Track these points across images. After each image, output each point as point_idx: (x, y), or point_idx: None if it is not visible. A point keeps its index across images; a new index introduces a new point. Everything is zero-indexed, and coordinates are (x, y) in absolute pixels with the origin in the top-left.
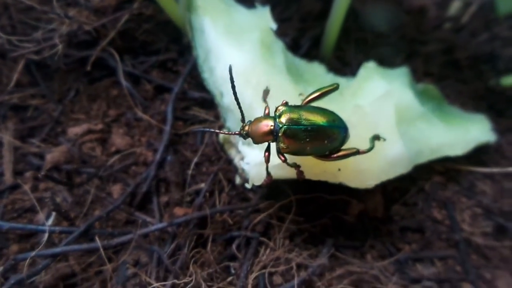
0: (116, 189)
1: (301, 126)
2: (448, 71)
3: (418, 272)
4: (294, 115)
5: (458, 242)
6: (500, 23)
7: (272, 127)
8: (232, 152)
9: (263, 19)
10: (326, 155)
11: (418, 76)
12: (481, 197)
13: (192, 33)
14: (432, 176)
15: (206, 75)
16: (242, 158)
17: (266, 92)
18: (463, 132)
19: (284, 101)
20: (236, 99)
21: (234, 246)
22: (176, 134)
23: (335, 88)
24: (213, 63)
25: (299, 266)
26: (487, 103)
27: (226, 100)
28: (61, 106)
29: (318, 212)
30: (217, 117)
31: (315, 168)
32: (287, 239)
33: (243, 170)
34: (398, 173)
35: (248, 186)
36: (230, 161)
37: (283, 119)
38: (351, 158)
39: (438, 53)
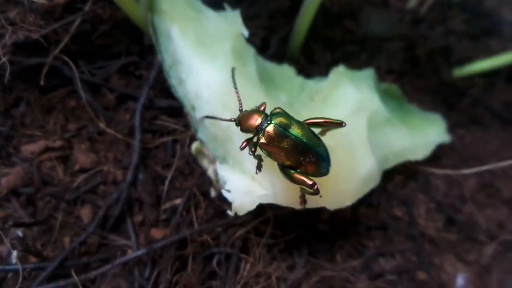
0: (85, 213)
1: (285, 132)
2: (408, 67)
3: (381, 266)
4: (285, 121)
5: (414, 236)
6: (455, 17)
7: (260, 121)
8: (205, 163)
9: (234, 24)
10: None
11: (381, 74)
12: (434, 192)
13: (156, 36)
14: (394, 176)
15: (173, 81)
16: (215, 171)
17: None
18: (423, 136)
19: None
20: (236, 88)
21: (214, 263)
22: (145, 148)
23: (340, 124)
24: (184, 75)
25: (278, 279)
26: (440, 97)
27: (198, 113)
28: (10, 120)
29: (293, 222)
30: (187, 126)
31: (296, 195)
32: (266, 251)
33: (220, 184)
34: (370, 188)
35: (230, 213)
36: (203, 173)
37: (274, 118)
38: (330, 181)
39: (400, 50)
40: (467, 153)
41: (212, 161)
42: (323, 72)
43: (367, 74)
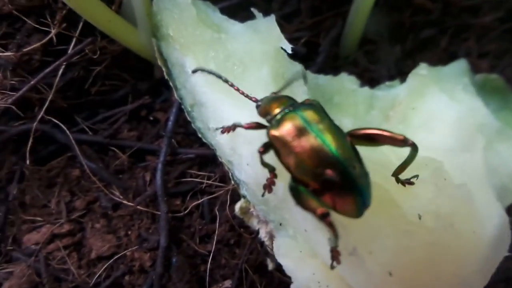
0: None
1: (308, 127)
2: (506, 44)
3: None
4: (315, 116)
5: None
6: None
7: (283, 107)
8: (254, 223)
9: (269, 39)
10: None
11: (471, 60)
12: None
13: (168, 68)
14: None
15: (199, 125)
16: (270, 233)
17: None
18: None
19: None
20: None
21: None
22: (175, 217)
23: (402, 141)
24: (212, 123)
25: None
26: None
27: (239, 174)
28: (5, 203)
29: None
30: (225, 179)
31: None
32: None
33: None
34: (504, 255)
35: None
36: (254, 237)
37: (301, 108)
38: (448, 271)
39: (493, 23)
40: None
41: (264, 222)
42: (393, 72)
43: (458, 69)
